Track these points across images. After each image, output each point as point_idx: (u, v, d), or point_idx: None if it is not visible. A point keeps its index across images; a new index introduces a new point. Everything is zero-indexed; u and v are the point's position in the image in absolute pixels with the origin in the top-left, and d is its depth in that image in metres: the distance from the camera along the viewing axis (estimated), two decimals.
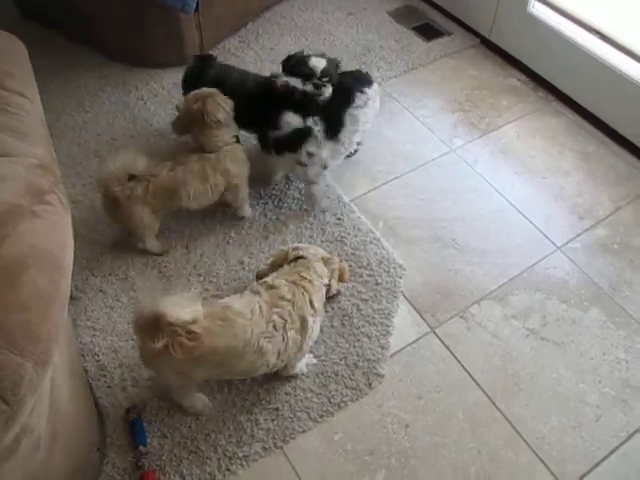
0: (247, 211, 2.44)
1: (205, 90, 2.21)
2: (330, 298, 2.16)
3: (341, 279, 2.14)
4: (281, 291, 1.78)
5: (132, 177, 2.13)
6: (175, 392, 1.86)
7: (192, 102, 2.18)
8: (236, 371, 1.77)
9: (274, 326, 1.72)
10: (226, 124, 2.23)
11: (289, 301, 1.78)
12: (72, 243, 1.30)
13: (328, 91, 2.28)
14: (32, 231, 1.19)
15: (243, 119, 2.31)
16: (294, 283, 1.83)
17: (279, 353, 1.76)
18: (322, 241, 2.36)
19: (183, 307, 1.56)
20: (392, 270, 2.29)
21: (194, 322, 1.58)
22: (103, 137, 2.71)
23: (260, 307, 1.72)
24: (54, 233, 1.24)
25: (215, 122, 2.17)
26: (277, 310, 1.74)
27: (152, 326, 1.54)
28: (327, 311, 2.15)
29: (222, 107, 2.19)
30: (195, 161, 2.21)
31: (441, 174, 2.67)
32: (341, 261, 2.17)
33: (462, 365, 2.08)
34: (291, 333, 1.76)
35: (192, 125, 2.22)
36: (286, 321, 1.75)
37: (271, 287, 1.81)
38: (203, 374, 1.74)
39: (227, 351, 1.65)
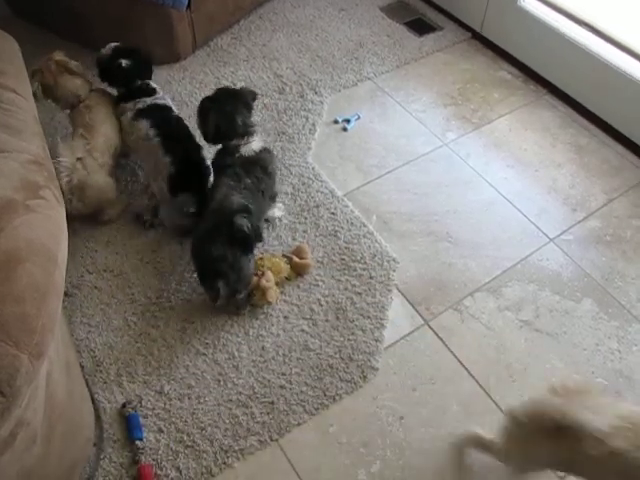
0: None
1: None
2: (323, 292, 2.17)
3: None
4: None
5: (78, 160, 2.18)
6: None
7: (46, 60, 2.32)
8: None
9: None
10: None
11: None
12: (66, 237, 1.31)
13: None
14: (27, 225, 1.20)
15: None
16: None
17: None
18: (316, 235, 2.37)
19: (602, 412, 1.38)
20: (386, 263, 2.31)
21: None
22: None
23: None
24: (49, 227, 1.25)
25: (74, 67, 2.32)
26: None
27: (556, 429, 1.39)
28: (321, 305, 2.18)
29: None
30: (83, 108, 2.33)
31: (434, 168, 2.68)
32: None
33: (456, 357, 2.09)
34: None
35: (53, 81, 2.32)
36: None
37: None
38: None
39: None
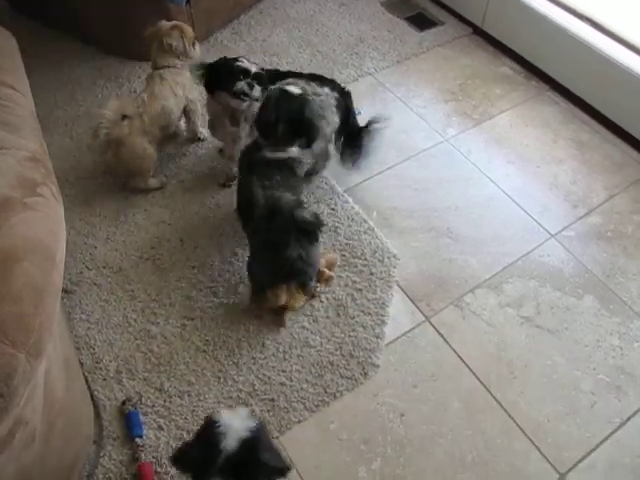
0: (203, 133, 2.68)
1: (177, 22, 2.52)
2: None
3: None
4: None
5: (124, 117, 2.29)
6: None
7: (164, 25, 2.47)
8: None
9: None
10: (179, 53, 2.48)
11: None
12: (64, 235, 1.30)
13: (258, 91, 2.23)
14: (24, 223, 1.19)
15: None
16: None
17: None
18: None
19: None
20: (386, 260, 2.30)
21: None
22: None
23: None
24: (46, 225, 1.24)
25: (168, 46, 2.44)
26: None
27: None
28: (322, 301, 2.17)
29: (181, 38, 2.46)
30: (158, 77, 2.44)
31: (435, 164, 2.67)
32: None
33: (457, 354, 2.08)
34: None
35: (152, 42, 2.48)
36: None
37: None
38: None
39: None
